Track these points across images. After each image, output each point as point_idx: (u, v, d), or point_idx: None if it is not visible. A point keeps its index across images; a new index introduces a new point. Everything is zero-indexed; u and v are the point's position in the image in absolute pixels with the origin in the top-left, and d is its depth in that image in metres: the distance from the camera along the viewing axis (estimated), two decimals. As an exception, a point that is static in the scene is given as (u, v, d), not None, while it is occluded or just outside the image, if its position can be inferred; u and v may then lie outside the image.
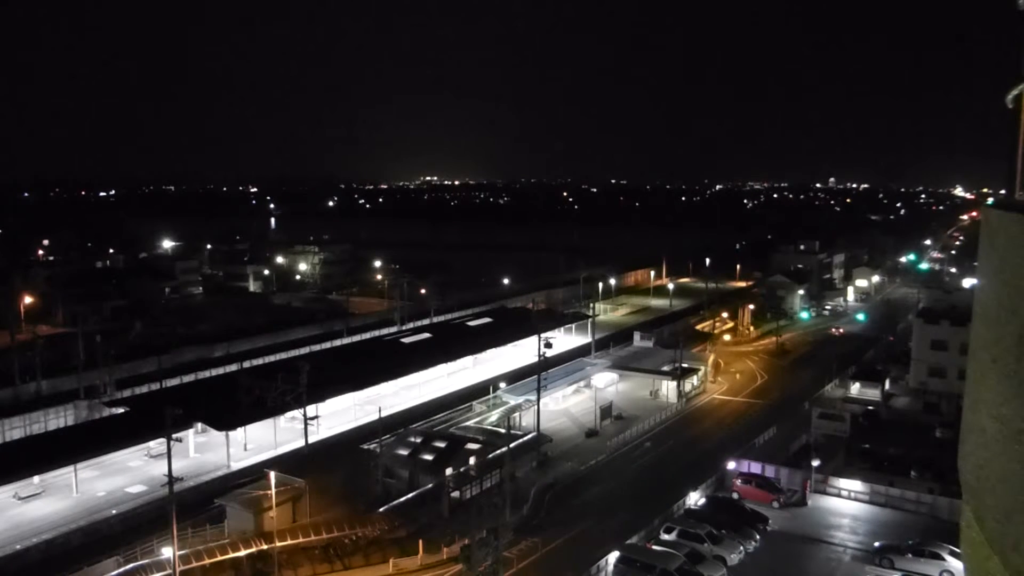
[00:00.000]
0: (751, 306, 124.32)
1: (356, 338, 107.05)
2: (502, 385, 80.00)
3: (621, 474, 63.63)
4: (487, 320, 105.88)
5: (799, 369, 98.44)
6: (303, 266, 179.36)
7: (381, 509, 54.29)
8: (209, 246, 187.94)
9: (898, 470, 59.70)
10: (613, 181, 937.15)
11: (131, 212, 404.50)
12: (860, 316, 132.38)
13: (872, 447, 63.78)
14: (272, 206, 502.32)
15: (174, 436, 42.55)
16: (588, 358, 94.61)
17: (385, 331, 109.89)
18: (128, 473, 61.80)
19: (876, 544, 49.44)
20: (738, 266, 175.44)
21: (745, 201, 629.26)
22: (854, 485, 58.09)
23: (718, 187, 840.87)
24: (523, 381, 79.45)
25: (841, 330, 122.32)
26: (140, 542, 47.19)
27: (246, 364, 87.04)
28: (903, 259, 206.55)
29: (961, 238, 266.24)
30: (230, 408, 65.13)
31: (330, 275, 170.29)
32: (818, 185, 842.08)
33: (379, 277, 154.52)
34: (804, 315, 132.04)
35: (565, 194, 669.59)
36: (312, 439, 64.86)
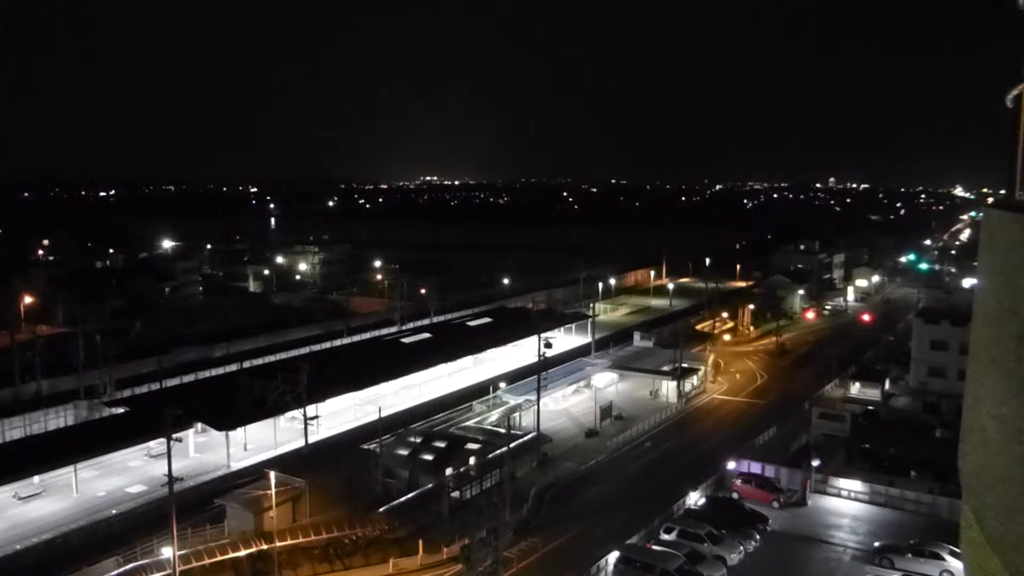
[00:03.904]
0: (751, 306, 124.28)
1: (356, 338, 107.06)
2: (502, 385, 79.98)
3: (621, 474, 63.61)
4: (487, 320, 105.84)
5: (799, 369, 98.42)
6: (303, 266, 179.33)
7: (381, 509, 54.28)
8: (209, 246, 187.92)
9: (898, 470, 59.67)
10: (613, 181, 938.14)
11: (131, 212, 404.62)
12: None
13: (872, 447, 63.73)
14: (272, 206, 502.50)
15: (174, 436, 42.52)
16: (588, 358, 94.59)
17: (385, 331, 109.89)
18: (128, 473, 61.78)
19: (876, 544, 49.43)
20: (738, 266, 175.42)
21: (745, 201, 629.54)
22: (854, 485, 58.07)
23: (718, 187, 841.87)
24: (523, 381, 79.42)
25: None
26: (140, 542, 47.17)
27: (246, 364, 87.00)
28: (903, 259, 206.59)
29: (959, 240, 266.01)
30: (230, 408, 65.13)
31: (330, 275, 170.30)
32: (818, 185, 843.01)
33: (379, 277, 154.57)
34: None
35: (565, 194, 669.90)
36: (312, 439, 64.90)
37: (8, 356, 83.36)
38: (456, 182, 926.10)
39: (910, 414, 77.95)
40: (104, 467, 62.26)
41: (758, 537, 50.47)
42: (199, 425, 65.72)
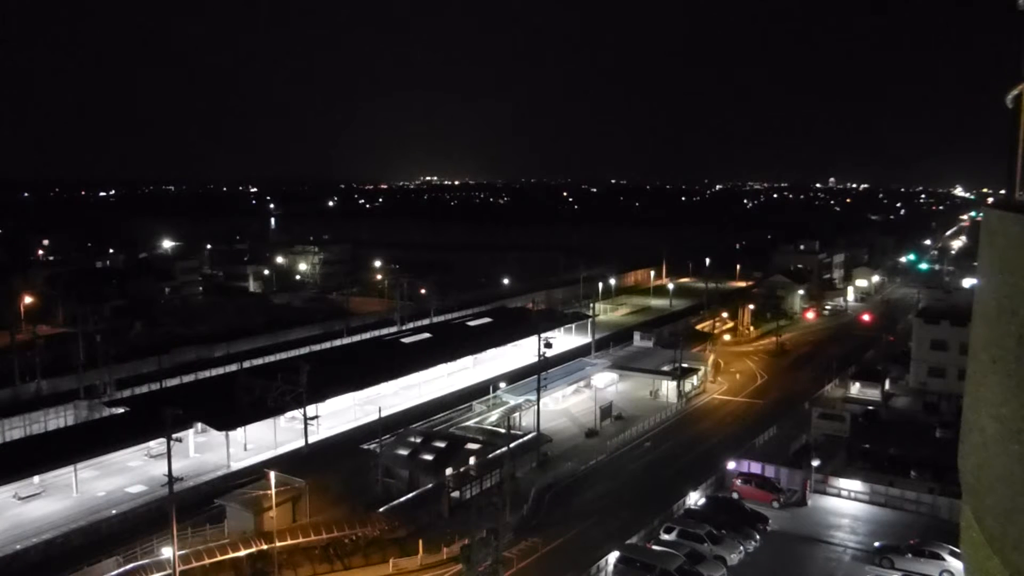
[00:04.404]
0: (751, 306, 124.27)
1: (356, 338, 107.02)
2: (502, 385, 79.96)
3: (621, 474, 63.60)
4: (487, 320, 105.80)
5: (799, 369, 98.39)
6: (303, 266, 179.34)
7: (381, 509, 54.27)
8: (209, 246, 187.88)
9: (898, 470, 59.68)
10: (613, 181, 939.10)
11: (131, 212, 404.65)
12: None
13: (872, 447, 63.74)
14: (272, 206, 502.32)
15: (174, 436, 42.51)
16: (588, 358, 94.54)
17: (385, 331, 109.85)
18: (128, 473, 61.75)
19: (876, 544, 49.42)
20: (738, 266, 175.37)
21: (745, 201, 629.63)
22: (854, 485, 58.06)
23: (718, 187, 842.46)
24: (523, 381, 79.39)
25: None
26: (140, 542, 47.18)
27: (246, 364, 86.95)
28: (903, 259, 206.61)
29: (959, 240, 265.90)
30: (230, 408, 65.12)
31: (330, 275, 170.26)
32: (818, 185, 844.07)
33: (379, 277, 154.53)
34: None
35: (565, 194, 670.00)
36: (312, 439, 64.89)
37: (8, 356, 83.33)
38: (456, 182, 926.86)
39: (910, 414, 77.96)
40: (104, 467, 62.23)
41: (758, 537, 50.46)
42: (199, 425, 65.71)
